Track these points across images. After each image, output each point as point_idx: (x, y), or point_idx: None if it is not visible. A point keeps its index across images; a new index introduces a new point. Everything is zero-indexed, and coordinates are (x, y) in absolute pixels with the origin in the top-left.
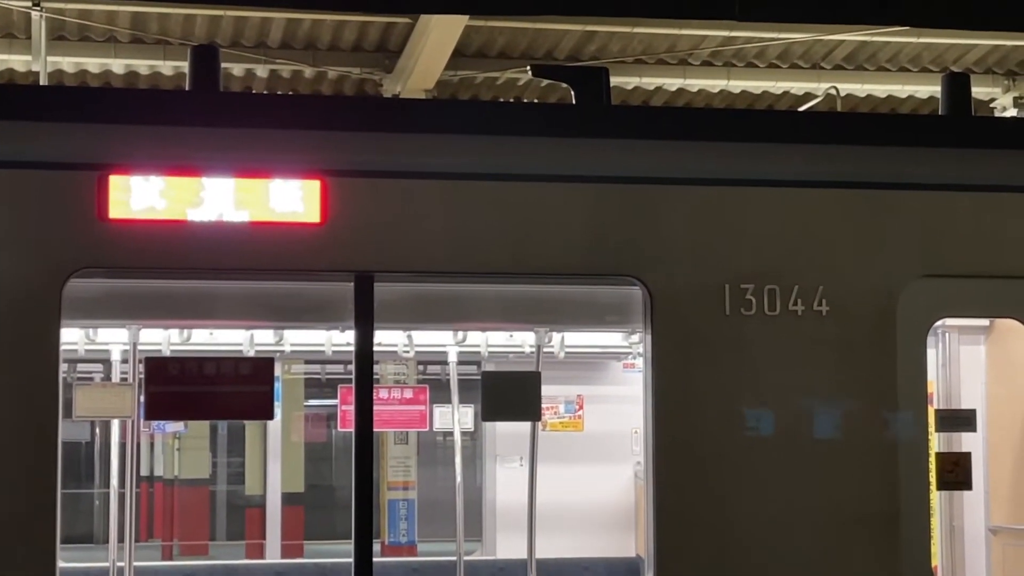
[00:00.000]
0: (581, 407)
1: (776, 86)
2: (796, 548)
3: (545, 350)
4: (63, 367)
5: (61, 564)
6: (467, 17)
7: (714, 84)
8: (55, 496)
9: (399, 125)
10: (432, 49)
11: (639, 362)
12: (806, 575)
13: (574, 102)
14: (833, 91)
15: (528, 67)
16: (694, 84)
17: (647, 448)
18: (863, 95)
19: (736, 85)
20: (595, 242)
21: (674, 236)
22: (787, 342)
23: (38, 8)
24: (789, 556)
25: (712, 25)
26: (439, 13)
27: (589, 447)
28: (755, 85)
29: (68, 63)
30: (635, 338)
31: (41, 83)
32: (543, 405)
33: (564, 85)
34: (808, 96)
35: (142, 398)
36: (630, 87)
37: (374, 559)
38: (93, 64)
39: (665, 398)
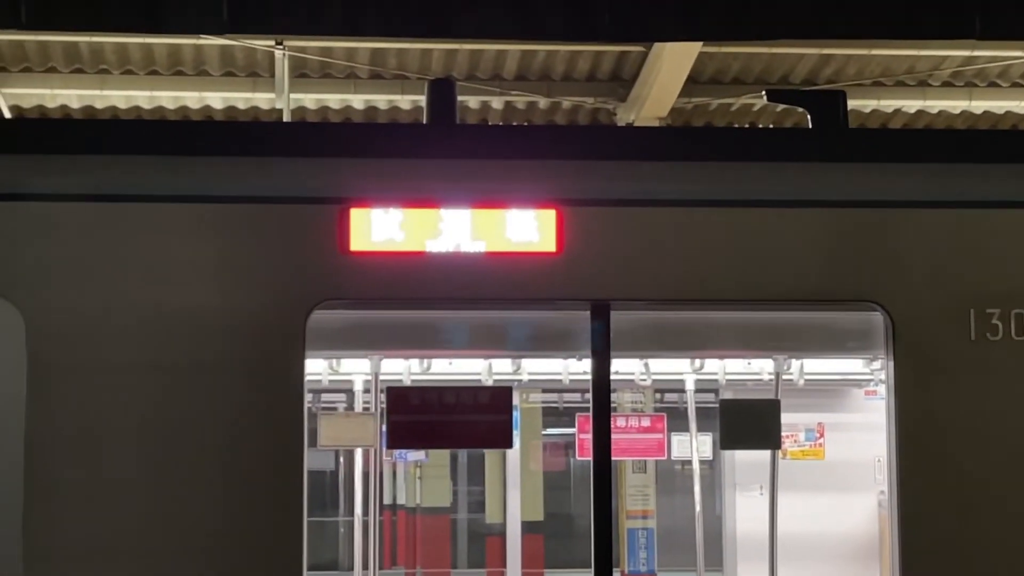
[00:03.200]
0: (822, 435)
1: (1020, 106)
2: None
3: (784, 377)
4: (308, 397)
5: None
6: (701, 44)
7: (955, 105)
8: (302, 524)
9: (634, 153)
10: (666, 77)
11: (881, 389)
12: None
13: (811, 126)
14: None
15: (763, 92)
16: (934, 105)
17: (891, 477)
18: None
19: (978, 105)
20: (834, 267)
21: (915, 260)
22: None
23: (281, 47)
24: None
25: (952, 45)
26: (672, 40)
27: (831, 476)
28: (998, 105)
29: (310, 100)
30: (876, 365)
31: (284, 119)
32: (783, 433)
33: (800, 109)
34: None
35: (384, 427)
36: (868, 110)
37: None
38: (334, 100)
39: (908, 426)
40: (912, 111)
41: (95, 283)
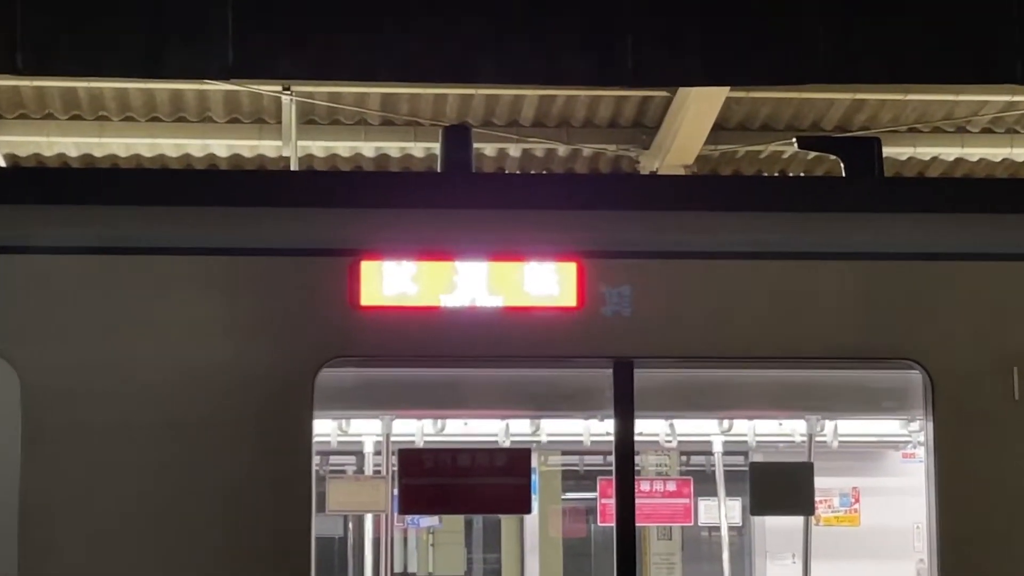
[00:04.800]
0: (857, 500)
1: None
2: None
3: (817, 439)
4: (315, 459)
5: None
6: (728, 89)
7: (996, 152)
8: None
9: (658, 203)
10: (691, 123)
11: (920, 451)
12: None
13: (844, 175)
14: None
15: (793, 139)
16: (974, 153)
17: (931, 544)
18: None
19: (1020, 153)
20: (870, 323)
21: (956, 316)
22: None
23: (288, 92)
24: None
25: (992, 90)
26: (699, 85)
27: (867, 543)
28: None
29: (318, 147)
30: (915, 426)
31: (292, 168)
32: (816, 498)
33: (833, 157)
34: None
35: (396, 491)
36: (904, 157)
37: None
38: (343, 148)
39: (949, 490)
40: (951, 159)
41: (94, 339)
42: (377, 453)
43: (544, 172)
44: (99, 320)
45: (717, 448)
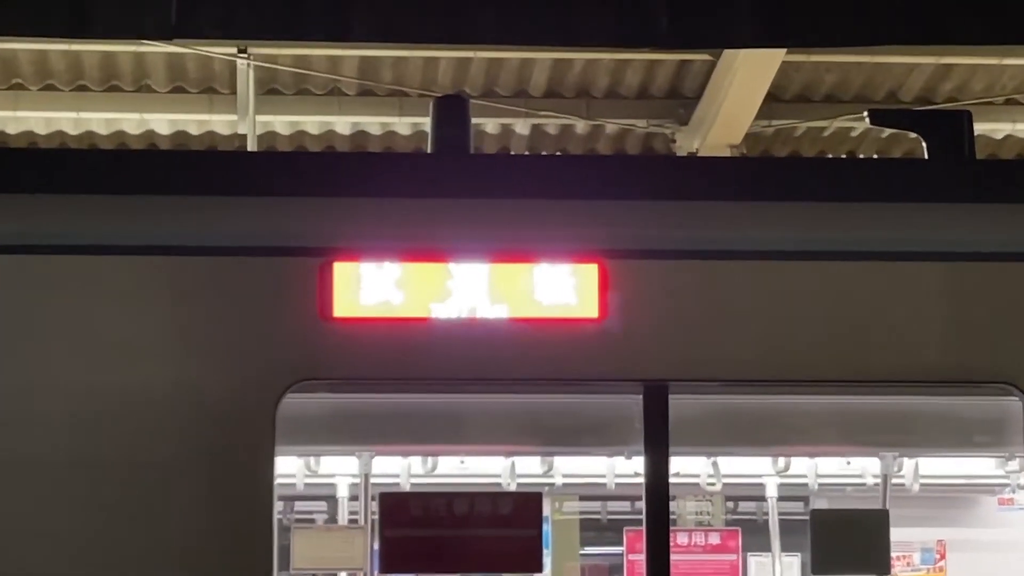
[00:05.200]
0: (943, 556)
1: None
2: None
3: (894, 481)
4: (278, 506)
5: None
6: (784, 52)
7: None
8: None
9: (699, 191)
10: (739, 93)
11: (1019, 497)
12: None
13: (927, 156)
14: None
15: (865, 113)
16: None
17: None
18: None
19: None
20: (957, 338)
21: None
22: None
23: (244, 56)
24: None
25: None
26: (748, 47)
27: None
28: None
29: (281, 122)
30: (1014, 465)
31: (249, 148)
32: (893, 553)
33: (913, 135)
34: None
35: (376, 545)
36: (1000, 135)
37: None
38: (312, 123)
39: None
40: None
41: (9, 358)
42: (353, 498)
43: (559, 153)
44: (11, 335)
45: (771, 492)
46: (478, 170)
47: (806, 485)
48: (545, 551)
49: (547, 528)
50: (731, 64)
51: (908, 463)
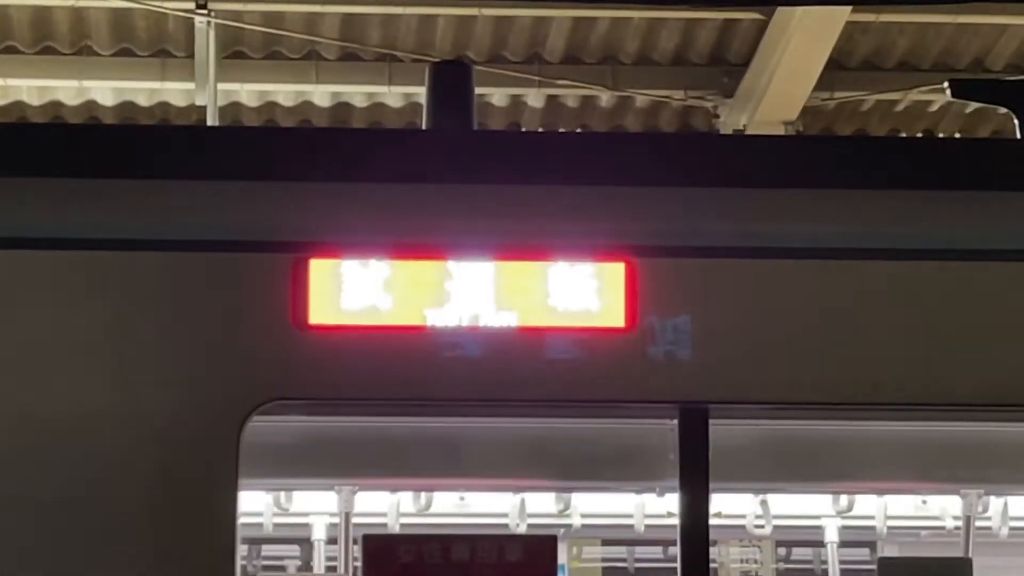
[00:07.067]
0: None
1: None
2: None
3: (979, 523)
4: (242, 550)
5: None
6: (848, 10)
7: None
8: None
9: (748, 176)
10: (795, 60)
11: None
12: None
13: (1020, 135)
14: None
15: (945, 83)
16: None
17: None
18: None
19: None
20: None
21: None
22: None
23: (204, 12)
24: None
25: None
26: (805, 4)
27: None
28: None
29: (248, 92)
30: None
31: (209, 122)
32: None
33: (1003, 110)
34: None
35: None
36: None
37: None
38: (285, 92)
39: None
40: None
41: None
42: (331, 541)
43: (579, 130)
44: None
45: (831, 536)
46: (482, 150)
47: (873, 528)
48: None
49: None
50: (785, 25)
51: (995, 502)
